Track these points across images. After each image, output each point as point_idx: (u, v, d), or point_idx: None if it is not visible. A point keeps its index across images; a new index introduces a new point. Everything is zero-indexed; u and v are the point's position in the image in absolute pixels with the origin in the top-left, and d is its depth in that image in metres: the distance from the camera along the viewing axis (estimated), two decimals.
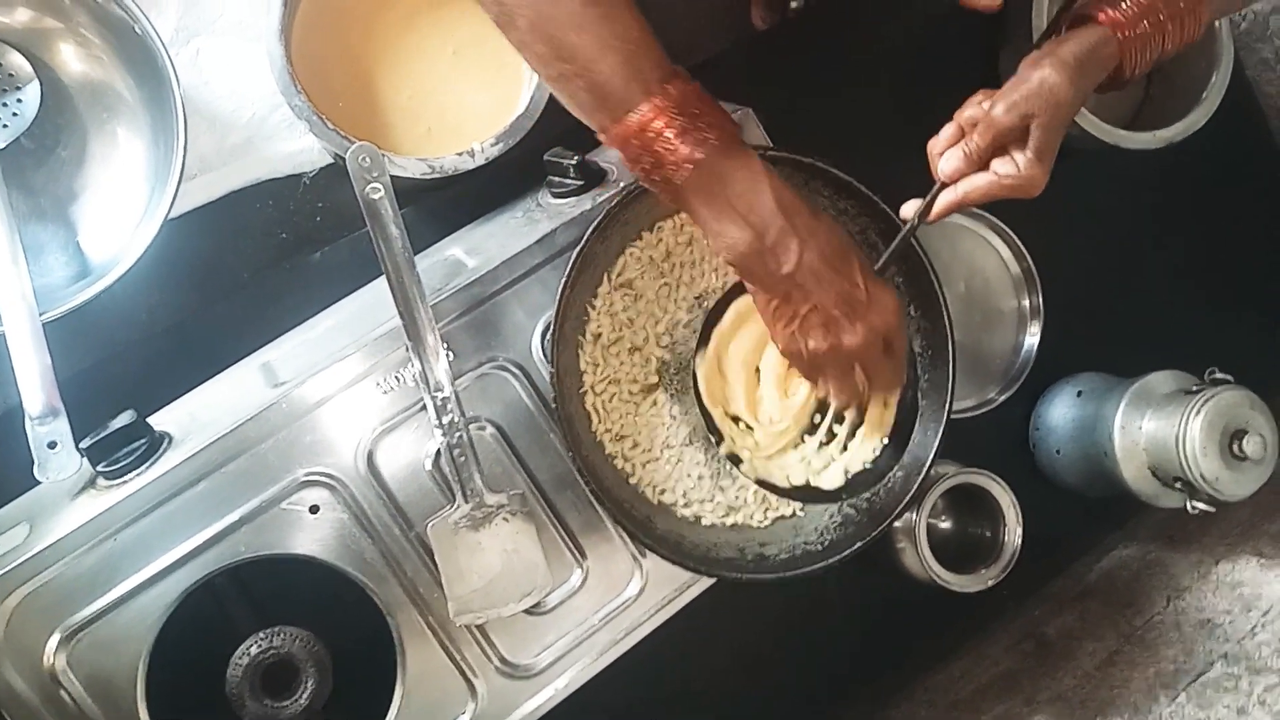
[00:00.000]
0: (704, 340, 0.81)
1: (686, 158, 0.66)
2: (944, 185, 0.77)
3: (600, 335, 0.81)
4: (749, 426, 0.82)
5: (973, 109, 0.77)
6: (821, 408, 0.83)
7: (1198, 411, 0.96)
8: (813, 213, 0.71)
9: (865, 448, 0.84)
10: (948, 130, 0.78)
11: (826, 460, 0.83)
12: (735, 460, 0.81)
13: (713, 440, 0.81)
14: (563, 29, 0.64)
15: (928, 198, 0.77)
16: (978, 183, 0.76)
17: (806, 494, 0.82)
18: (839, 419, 0.83)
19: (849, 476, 0.83)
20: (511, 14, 0.65)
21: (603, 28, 0.64)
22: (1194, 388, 1.00)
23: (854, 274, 0.72)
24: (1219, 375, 1.01)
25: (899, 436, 0.83)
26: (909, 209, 0.79)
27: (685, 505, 0.83)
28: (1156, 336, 1.15)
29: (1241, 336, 1.19)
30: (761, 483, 0.81)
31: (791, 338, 0.74)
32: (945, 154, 0.76)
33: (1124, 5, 0.75)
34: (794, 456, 0.83)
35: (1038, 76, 0.73)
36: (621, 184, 0.80)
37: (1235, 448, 0.96)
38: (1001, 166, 0.75)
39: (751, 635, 1.05)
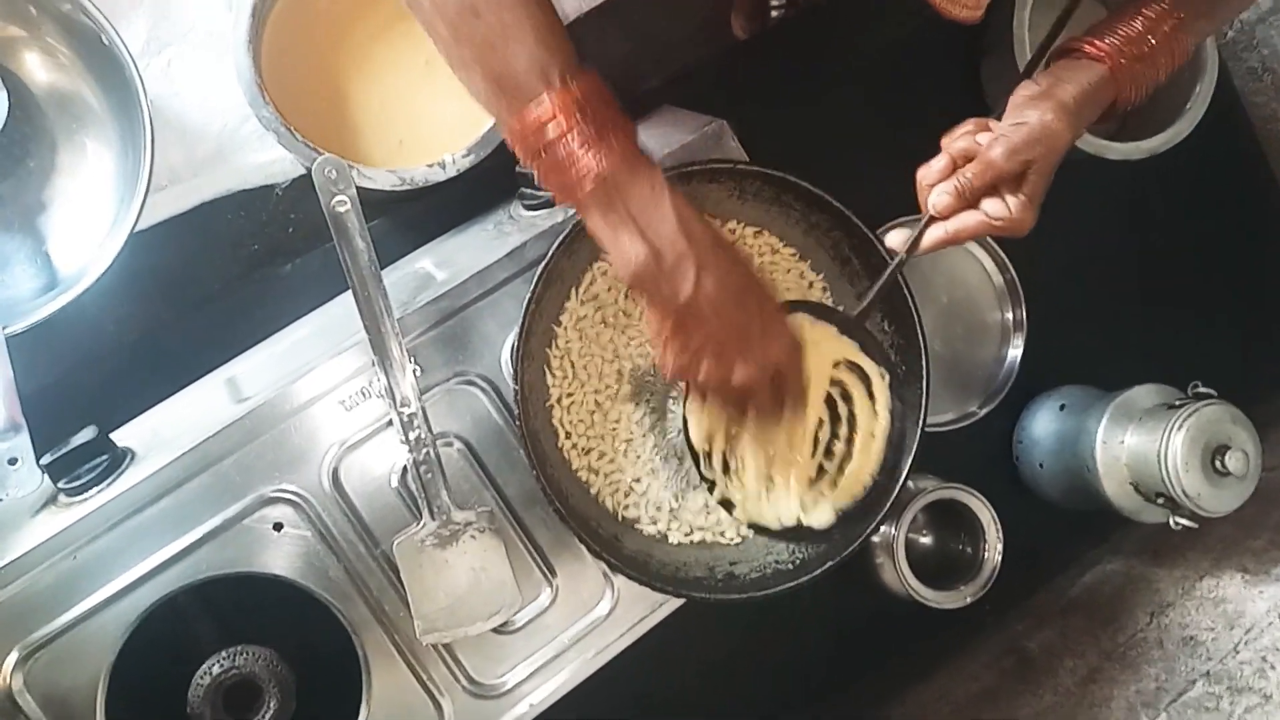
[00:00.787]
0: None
1: (589, 169, 0.63)
2: (933, 219, 0.76)
3: (568, 350, 0.80)
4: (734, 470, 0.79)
5: (965, 141, 0.75)
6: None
7: (1180, 426, 0.95)
8: (715, 239, 0.68)
9: (855, 484, 0.81)
10: (940, 161, 0.76)
11: (816, 498, 0.80)
12: (728, 506, 0.78)
13: (705, 484, 0.78)
14: (463, 12, 0.62)
15: (916, 231, 0.76)
16: (968, 222, 0.75)
17: (799, 535, 0.79)
18: (828, 453, 0.80)
19: (839, 513, 0.80)
20: None
21: (505, 13, 0.62)
22: (1177, 402, 0.99)
23: (750, 305, 0.70)
24: (1202, 390, 1.00)
25: (887, 470, 0.81)
26: (895, 239, 0.78)
27: (653, 523, 0.82)
28: (1140, 349, 1.14)
29: (1225, 350, 1.18)
30: (754, 526, 0.79)
31: (680, 367, 0.71)
32: (936, 187, 0.75)
33: (1111, 38, 0.75)
34: (784, 497, 0.80)
35: (1039, 121, 0.72)
36: None
37: (1218, 463, 0.95)
38: (992, 208, 0.74)
39: (725, 652, 1.04)
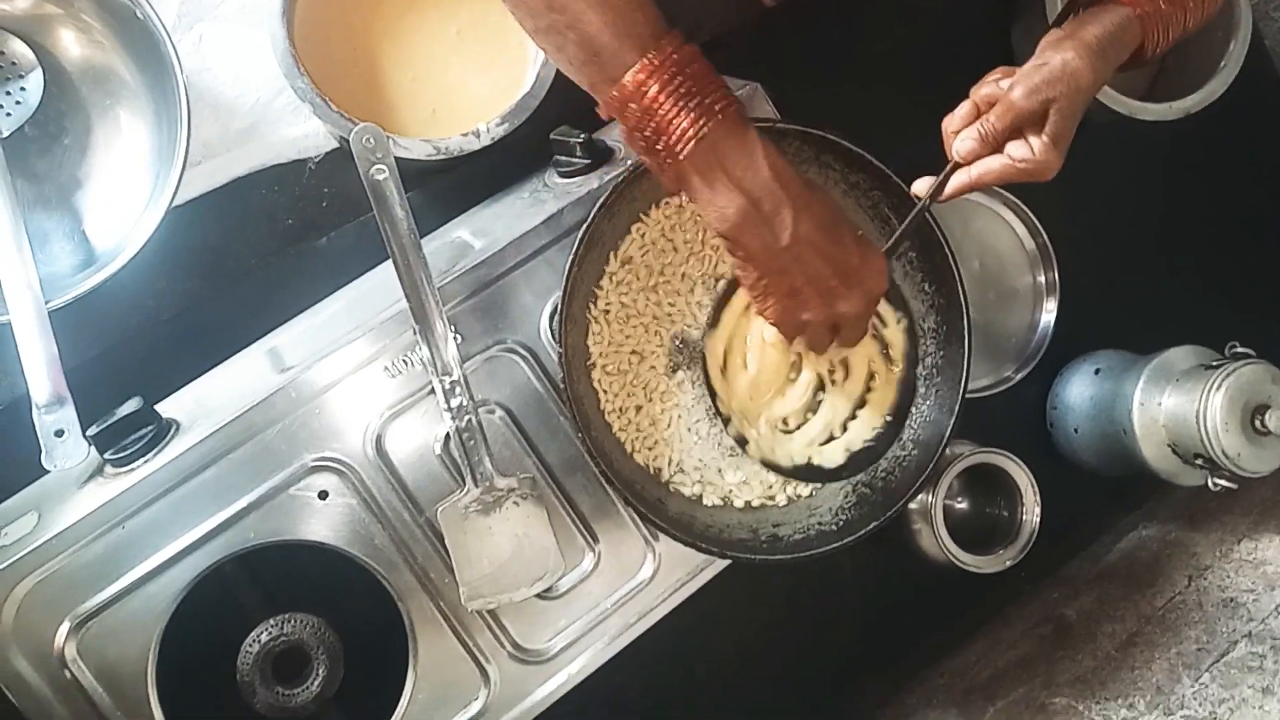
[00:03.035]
0: (715, 321, 0.80)
1: (687, 132, 0.64)
2: (957, 165, 0.75)
3: (609, 313, 0.80)
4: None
5: (990, 87, 0.75)
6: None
7: (1218, 387, 0.95)
8: (805, 182, 0.70)
9: (865, 426, 0.83)
10: (964, 108, 0.76)
11: (827, 438, 0.83)
12: (742, 442, 0.81)
13: (721, 420, 0.80)
14: None
15: (940, 176, 0.76)
16: (992, 166, 0.74)
17: (809, 473, 0.82)
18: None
19: (849, 455, 0.83)
20: None
21: None
22: (1214, 363, 0.98)
23: (846, 240, 0.71)
24: (1239, 350, 0.99)
25: (898, 414, 0.83)
26: (921, 186, 0.78)
27: (695, 485, 0.82)
28: (1175, 311, 1.13)
29: (1262, 310, 1.17)
30: (766, 463, 0.81)
31: (785, 311, 0.73)
32: (960, 133, 0.75)
33: None
34: (798, 437, 0.83)
35: (1060, 60, 0.71)
36: (629, 161, 0.79)
37: (1257, 423, 0.95)
38: (1016, 150, 0.73)
39: (765, 619, 1.04)
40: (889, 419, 0.83)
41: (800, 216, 0.68)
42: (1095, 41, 0.72)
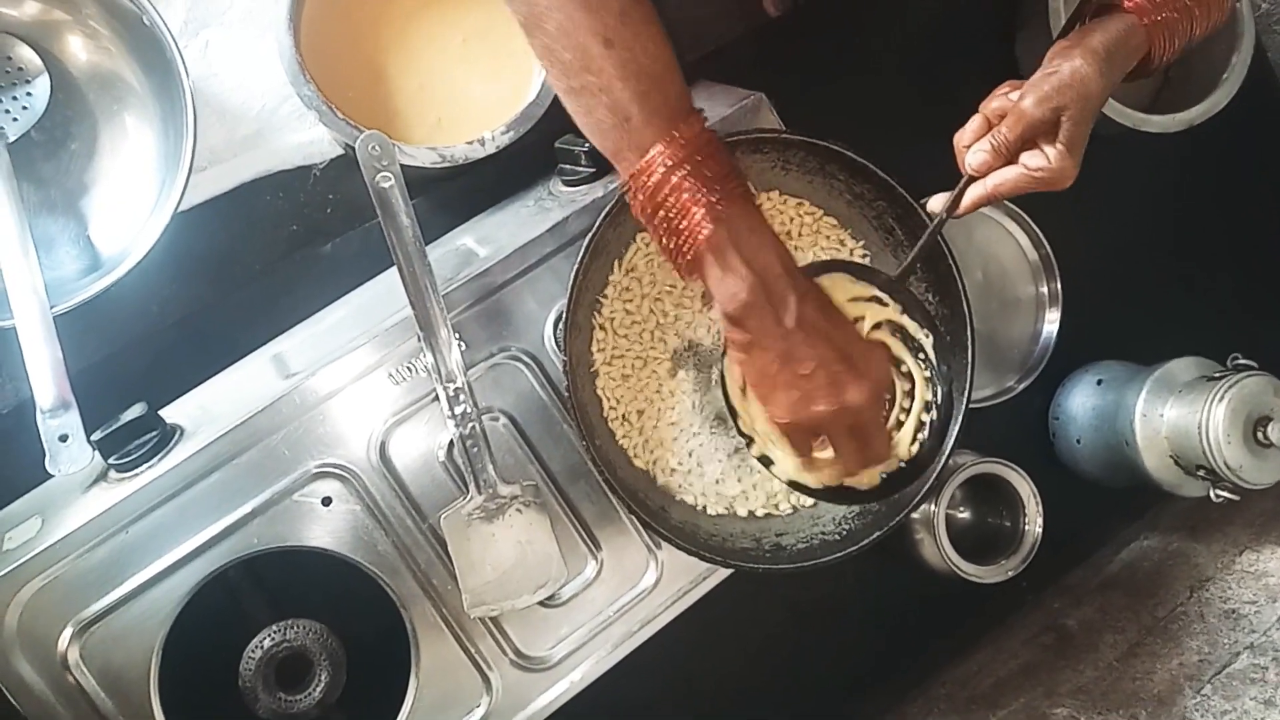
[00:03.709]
0: None
1: (699, 224, 0.65)
2: (971, 179, 0.75)
3: (613, 321, 0.81)
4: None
5: (1000, 100, 0.75)
6: None
7: (1221, 398, 0.95)
8: (801, 271, 0.69)
9: (899, 448, 0.79)
10: (974, 122, 0.76)
11: None
12: (766, 462, 0.77)
13: (743, 442, 0.77)
14: (594, 38, 0.62)
15: (955, 192, 0.76)
16: (1006, 176, 0.74)
17: (840, 495, 0.78)
18: None
19: (884, 477, 0.77)
20: (541, 17, 0.63)
21: (634, 45, 0.63)
22: (1217, 374, 0.99)
23: (848, 328, 0.70)
24: (1242, 361, 1.00)
25: (934, 434, 0.79)
26: (936, 203, 0.78)
27: (699, 494, 0.82)
28: (1178, 323, 1.14)
29: (1265, 322, 1.17)
30: (793, 484, 0.77)
31: (796, 404, 0.69)
32: (972, 147, 0.75)
33: None
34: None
35: (1069, 68, 0.72)
36: None
37: (1260, 435, 0.95)
38: (1031, 160, 0.73)
39: (767, 629, 1.04)
40: (924, 439, 0.79)
41: (804, 301, 0.67)
42: (1102, 48, 0.72)
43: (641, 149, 0.65)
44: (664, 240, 0.67)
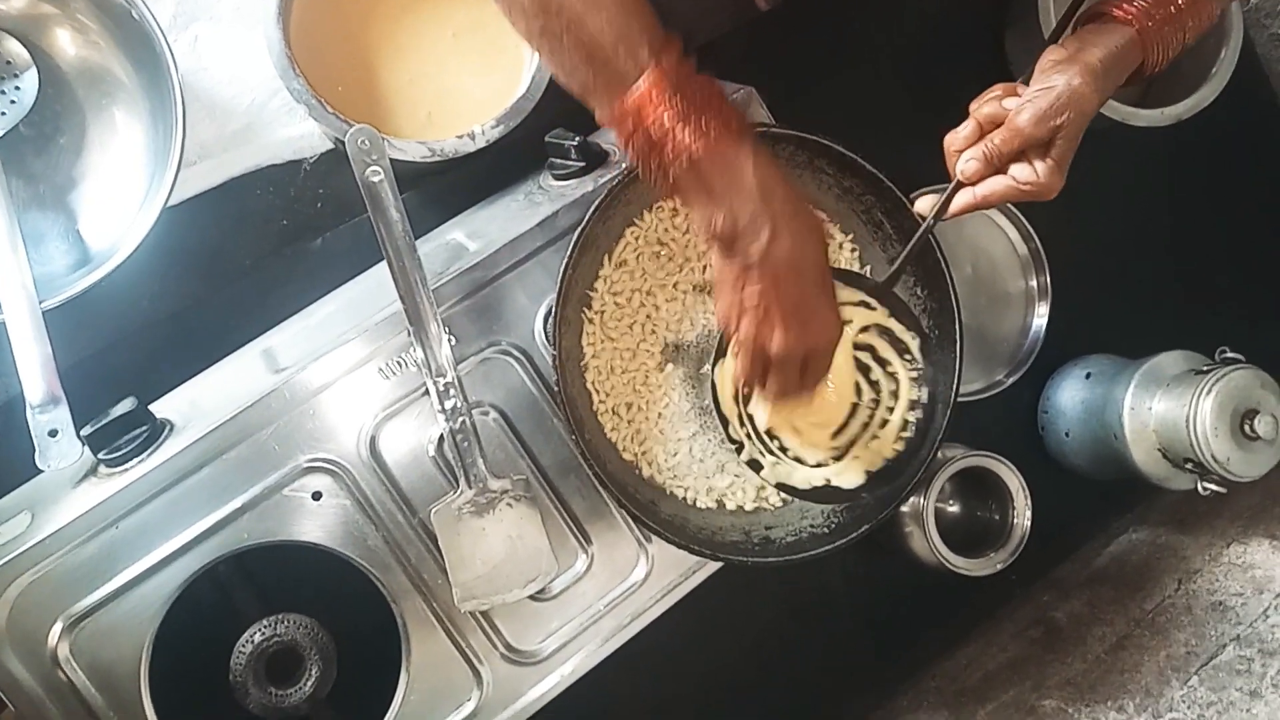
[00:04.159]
0: (721, 352, 0.77)
1: (685, 148, 0.64)
2: (960, 185, 0.76)
3: (603, 315, 0.81)
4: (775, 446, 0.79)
5: (991, 106, 0.76)
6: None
7: (1208, 391, 0.95)
8: (796, 209, 0.68)
9: (884, 446, 0.81)
10: (966, 127, 0.76)
11: (848, 460, 0.80)
12: (755, 466, 0.78)
13: (731, 446, 0.78)
14: None
15: (944, 196, 0.77)
16: (996, 188, 0.75)
17: (826, 494, 0.79)
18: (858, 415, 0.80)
19: (869, 475, 0.80)
20: None
21: None
22: (1204, 368, 0.99)
23: (813, 283, 0.70)
24: (1230, 355, 1.00)
25: (918, 432, 0.81)
26: (925, 205, 0.78)
27: (687, 489, 0.82)
28: (1166, 317, 1.14)
29: (1253, 315, 1.18)
30: (781, 486, 0.79)
31: (728, 314, 0.71)
32: (965, 154, 0.75)
33: (1139, 0, 0.74)
34: (810, 460, 0.80)
35: (1066, 86, 0.72)
36: (623, 165, 0.80)
37: (1247, 428, 0.95)
38: (1020, 173, 0.74)
39: (757, 623, 1.05)
40: (908, 437, 0.81)
41: (777, 239, 0.67)
42: (1099, 65, 0.73)
43: (612, 86, 0.64)
44: (648, 165, 0.67)
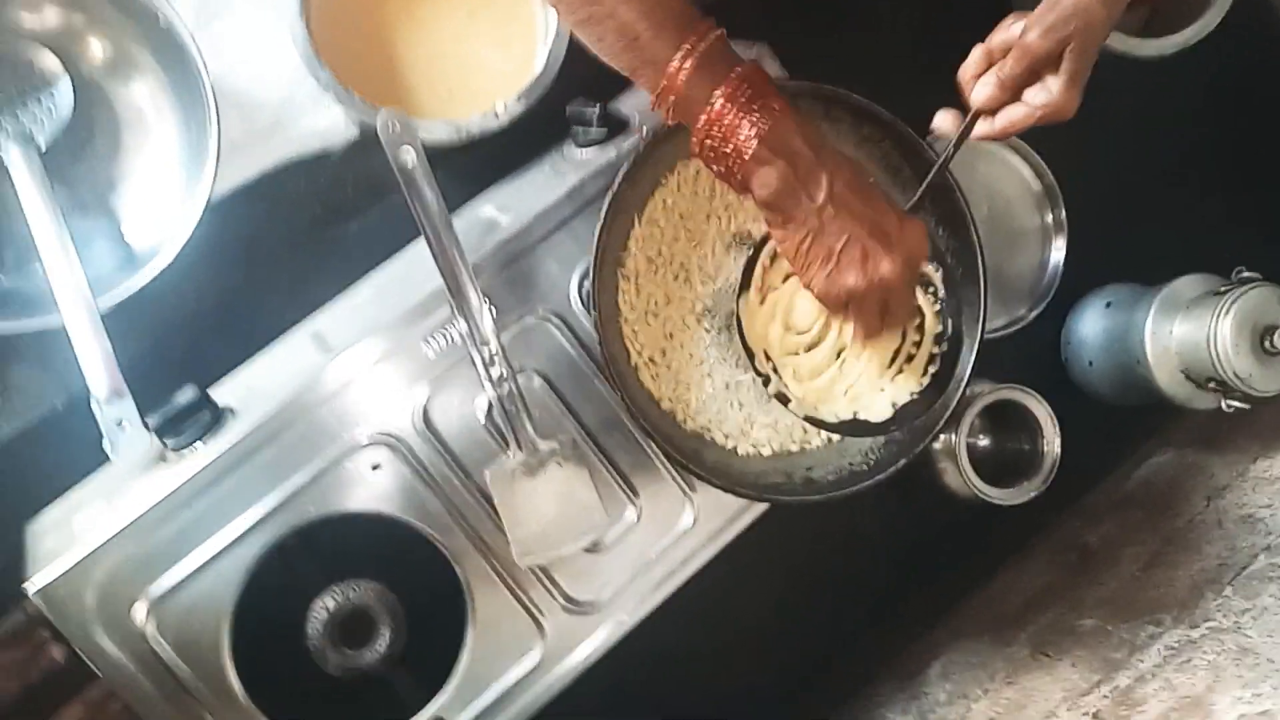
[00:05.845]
0: (745, 285, 0.80)
1: (732, 127, 0.68)
2: (979, 113, 0.76)
3: (637, 274, 0.83)
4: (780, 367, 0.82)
5: (1003, 34, 0.75)
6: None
7: (1227, 311, 0.97)
8: (835, 150, 0.71)
9: (910, 379, 0.83)
10: (976, 55, 0.76)
11: (875, 393, 0.82)
12: (784, 399, 0.80)
13: (756, 379, 0.81)
14: None
15: (962, 127, 0.76)
16: (1013, 115, 0.75)
17: (854, 427, 0.81)
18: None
19: (896, 408, 0.82)
20: None
21: None
22: (1222, 288, 1.01)
23: (881, 202, 0.72)
24: (1246, 274, 1.02)
25: (944, 365, 0.82)
26: (941, 119, 0.78)
27: (727, 435, 0.85)
28: (1182, 242, 1.15)
29: (1268, 234, 1.19)
30: (810, 419, 0.81)
31: (829, 278, 0.72)
32: (979, 81, 0.75)
33: None
34: (840, 391, 0.82)
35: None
36: (645, 128, 0.82)
37: (1267, 343, 0.97)
38: (1034, 96, 0.74)
39: (800, 564, 1.07)
40: (934, 371, 0.82)
41: (834, 176, 0.69)
42: None
43: (656, 64, 0.67)
44: (701, 143, 0.70)
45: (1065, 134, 1.03)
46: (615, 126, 0.85)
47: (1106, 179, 1.17)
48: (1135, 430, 1.20)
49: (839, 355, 0.81)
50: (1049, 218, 1.13)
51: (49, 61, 0.88)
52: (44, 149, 0.87)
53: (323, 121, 0.97)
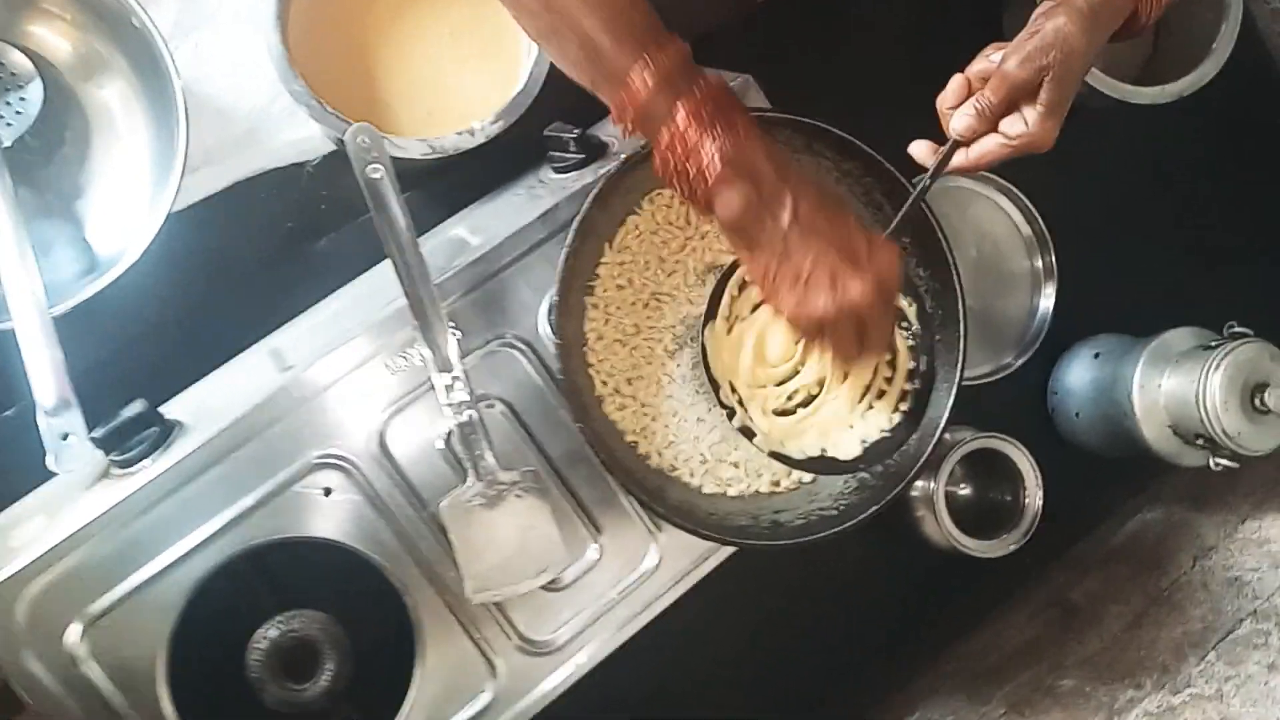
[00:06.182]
0: (711, 314, 0.78)
1: (688, 129, 0.65)
2: (957, 143, 0.75)
3: (605, 303, 0.81)
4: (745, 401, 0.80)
5: (982, 63, 0.75)
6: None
7: (1217, 366, 0.95)
8: (800, 173, 0.69)
9: (881, 416, 0.81)
10: (955, 84, 0.75)
11: (844, 429, 0.80)
12: (749, 434, 0.78)
13: (723, 413, 0.78)
14: None
15: (939, 156, 0.75)
16: (987, 146, 0.74)
17: (822, 465, 0.79)
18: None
19: (866, 446, 0.80)
20: None
21: None
22: (1212, 343, 0.99)
23: (848, 224, 0.70)
24: (1237, 329, 1.00)
25: (917, 404, 0.81)
26: (917, 148, 0.77)
27: (692, 475, 0.82)
28: (1173, 294, 1.14)
29: (1259, 290, 1.18)
30: (776, 455, 0.78)
31: (798, 302, 0.70)
32: (957, 111, 0.74)
33: None
34: (808, 426, 0.80)
35: (1052, 27, 0.71)
36: (622, 155, 0.80)
37: (1257, 401, 0.95)
38: (1011, 126, 0.73)
39: (771, 610, 1.05)
40: (906, 407, 0.80)
41: (799, 199, 0.67)
42: (1086, 6, 0.71)
43: (617, 77, 0.65)
44: (664, 161, 0.68)
45: (1057, 179, 1.03)
46: (593, 152, 0.83)
47: (1099, 227, 1.15)
48: (1122, 484, 1.18)
49: (821, 386, 0.79)
50: (1038, 263, 1.12)
51: (18, 60, 0.87)
52: (7, 144, 0.85)
53: (298, 134, 0.95)
